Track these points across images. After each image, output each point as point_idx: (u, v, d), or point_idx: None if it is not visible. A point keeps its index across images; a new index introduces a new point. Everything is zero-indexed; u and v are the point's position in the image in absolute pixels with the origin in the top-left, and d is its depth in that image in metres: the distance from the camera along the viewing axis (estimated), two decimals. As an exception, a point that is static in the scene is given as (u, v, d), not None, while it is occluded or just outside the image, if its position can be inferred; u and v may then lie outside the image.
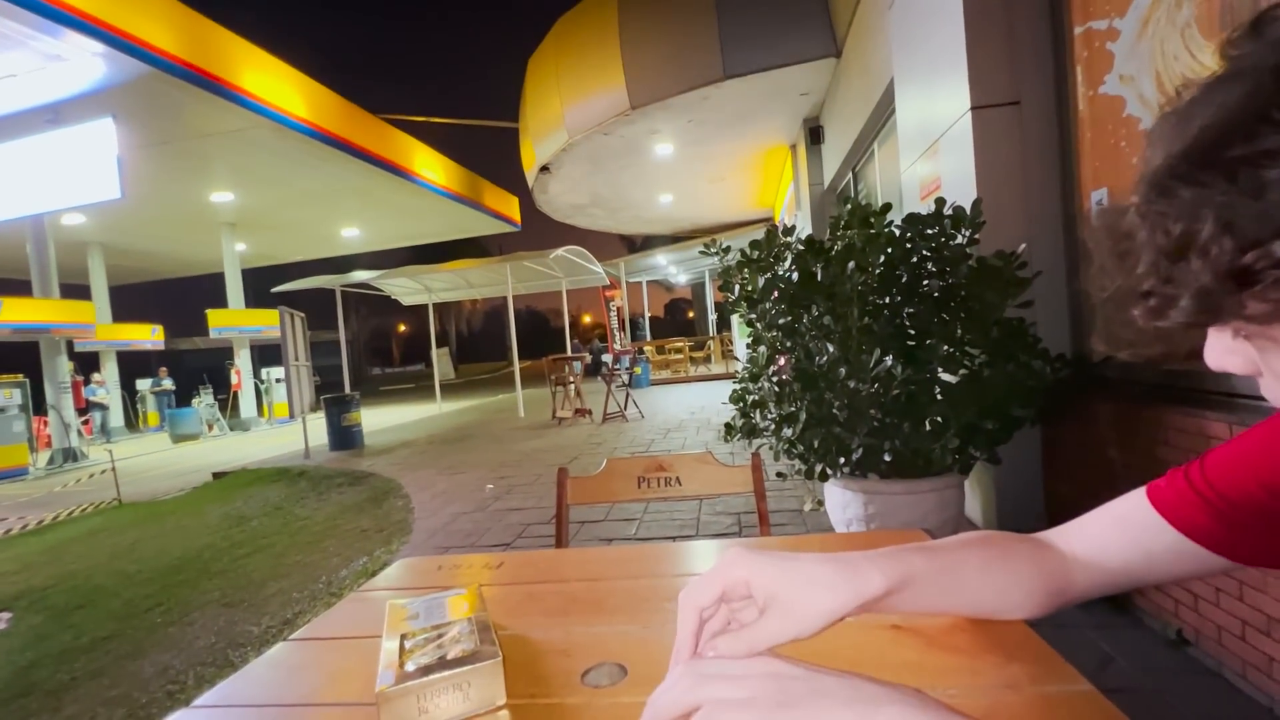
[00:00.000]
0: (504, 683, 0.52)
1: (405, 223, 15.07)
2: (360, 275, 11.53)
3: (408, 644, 0.54)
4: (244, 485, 6.20)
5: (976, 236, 2.27)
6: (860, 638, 0.56)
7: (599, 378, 9.17)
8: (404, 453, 7.35)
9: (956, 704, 0.38)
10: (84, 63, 7.01)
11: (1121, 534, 0.50)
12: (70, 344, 11.84)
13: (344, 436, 7.87)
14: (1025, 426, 2.31)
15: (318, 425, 8.07)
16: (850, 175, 6.79)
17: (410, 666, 0.51)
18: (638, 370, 12.22)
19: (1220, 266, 0.26)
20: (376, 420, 10.93)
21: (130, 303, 17.51)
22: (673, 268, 19.80)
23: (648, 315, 22.05)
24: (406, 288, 13.18)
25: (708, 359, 17.22)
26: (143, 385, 15.14)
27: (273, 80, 8.86)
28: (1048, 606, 0.53)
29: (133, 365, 15.44)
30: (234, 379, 13.86)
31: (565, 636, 0.63)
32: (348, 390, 9.95)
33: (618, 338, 17.03)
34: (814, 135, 7.52)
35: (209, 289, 15.90)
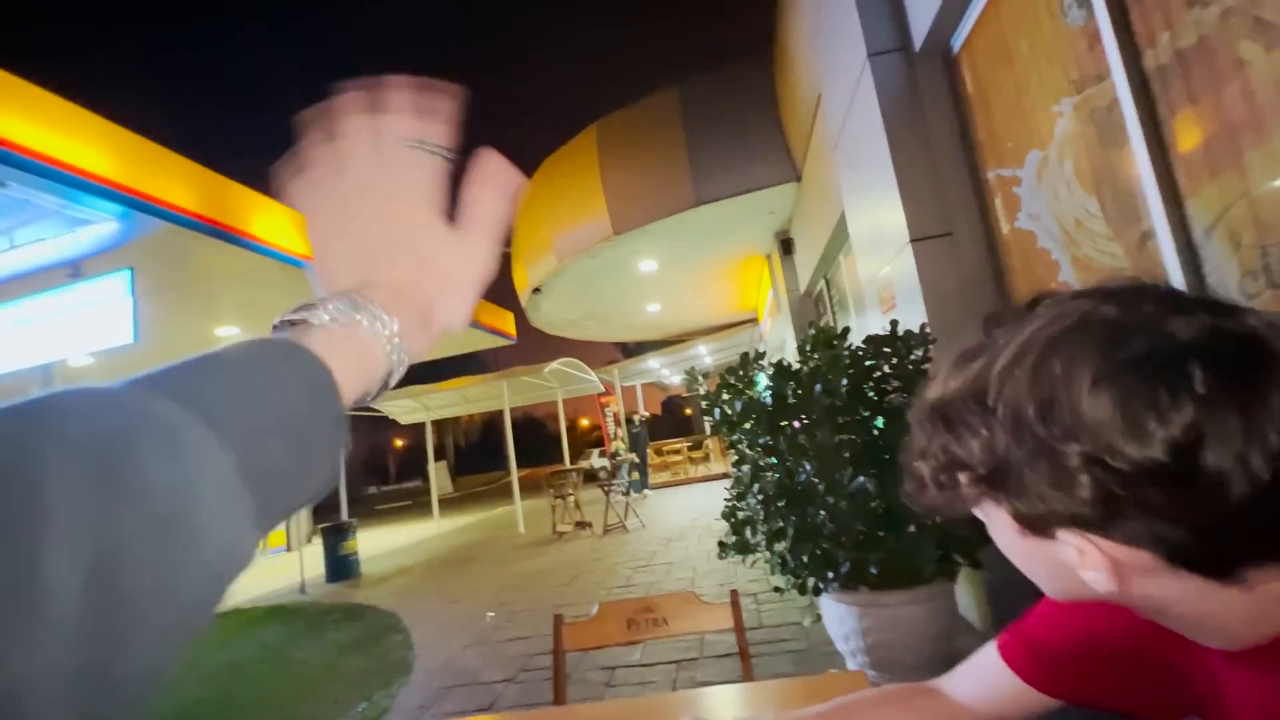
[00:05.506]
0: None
1: (403, 343, 15.46)
2: (359, 398, 11.73)
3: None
4: (237, 627, 6.01)
5: (929, 355, 2.51)
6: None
7: (602, 488, 9.12)
8: (402, 581, 7.19)
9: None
10: (108, 223, 7.60)
11: (982, 680, 0.65)
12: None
13: (340, 566, 7.71)
14: (1001, 529, 2.42)
15: (314, 553, 7.93)
16: (823, 281, 7.24)
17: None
18: (635, 476, 12.19)
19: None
20: (373, 544, 10.70)
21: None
22: (665, 370, 20.22)
23: (644, 416, 22.17)
24: (405, 407, 13.37)
25: (707, 458, 17.17)
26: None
27: (277, 223, 9.55)
28: None
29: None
30: (228, 510, 13.62)
31: (560, 798, 0.74)
32: (344, 515, 9.84)
33: (615, 444, 17.07)
34: (785, 247, 8.08)
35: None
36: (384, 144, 0.36)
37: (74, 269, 8.55)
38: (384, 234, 0.36)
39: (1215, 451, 0.34)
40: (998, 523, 0.45)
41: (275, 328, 0.32)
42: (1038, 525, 0.41)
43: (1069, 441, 0.37)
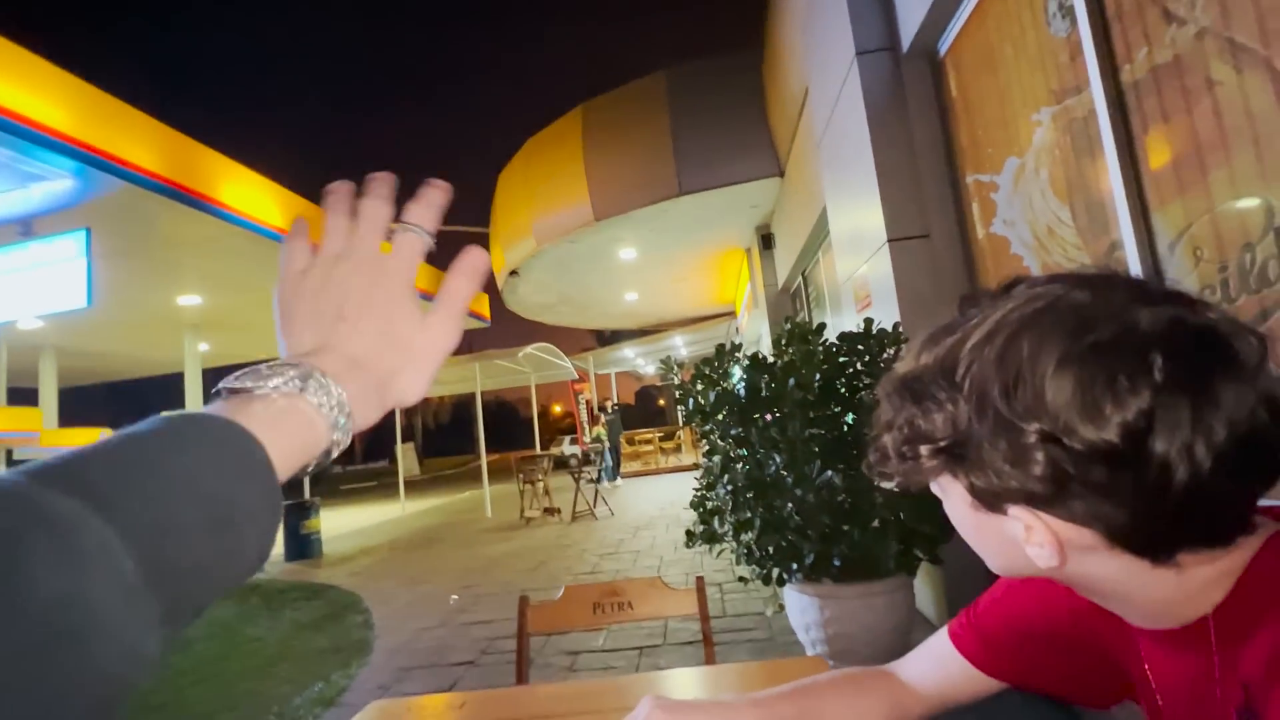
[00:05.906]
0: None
1: (374, 321, 15.14)
2: (326, 375, 11.47)
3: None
4: (191, 603, 5.86)
5: (901, 354, 2.55)
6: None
7: (572, 475, 9.10)
8: (365, 561, 7.10)
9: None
10: (62, 180, 7.25)
11: (934, 664, 0.66)
12: (9, 453, 11.29)
13: (301, 545, 7.57)
14: (961, 527, 2.48)
15: (274, 533, 7.76)
16: (800, 277, 7.31)
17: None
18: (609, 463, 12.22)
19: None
20: (336, 524, 10.53)
21: (79, 405, 16.88)
22: (640, 359, 20.24)
23: (617, 405, 22.16)
24: (373, 386, 13.13)
25: (678, 449, 17.28)
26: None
27: (249, 191, 9.23)
28: None
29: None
30: (185, 484, 13.24)
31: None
32: (306, 494, 9.64)
33: (587, 430, 17.06)
34: (765, 241, 8.12)
35: (166, 390, 15.51)
36: (369, 224, 0.39)
37: (25, 227, 8.16)
38: (355, 303, 0.37)
39: (1163, 438, 0.36)
40: (953, 496, 0.47)
41: (215, 394, 0.32)
42: (991, 500, 0.43)
43: (1029, 420, 0.38)
